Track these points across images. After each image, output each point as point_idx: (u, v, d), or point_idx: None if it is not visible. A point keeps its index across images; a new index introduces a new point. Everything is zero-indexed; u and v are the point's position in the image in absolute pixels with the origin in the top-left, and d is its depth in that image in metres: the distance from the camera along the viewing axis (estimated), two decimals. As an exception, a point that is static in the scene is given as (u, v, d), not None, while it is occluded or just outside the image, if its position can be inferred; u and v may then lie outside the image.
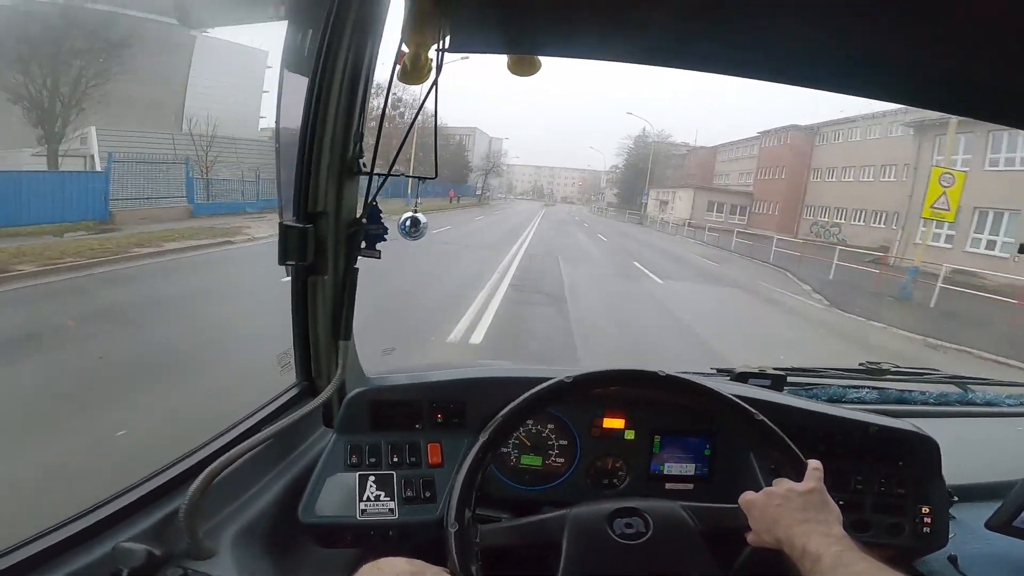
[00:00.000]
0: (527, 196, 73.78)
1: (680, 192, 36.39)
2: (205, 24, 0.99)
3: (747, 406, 0.78)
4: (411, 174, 0.99)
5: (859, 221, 24.12)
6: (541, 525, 0.75)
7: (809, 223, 27.92)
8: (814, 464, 0.73)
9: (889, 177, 22.65)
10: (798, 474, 0.73)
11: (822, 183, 27.81)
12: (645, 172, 46.97)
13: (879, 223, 22.68)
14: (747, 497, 0.72)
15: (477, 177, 38.84)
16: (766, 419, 0.77)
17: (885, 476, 0.96)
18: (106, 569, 0.63)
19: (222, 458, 0.71)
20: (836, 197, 25.78)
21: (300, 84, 0.81)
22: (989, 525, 0.91)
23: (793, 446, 0.75)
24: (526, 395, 0.78)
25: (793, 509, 0.68)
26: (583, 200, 71.95)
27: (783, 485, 0.71)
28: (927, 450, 0.97)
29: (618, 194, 52.11)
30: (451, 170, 38.18)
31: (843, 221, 25.20)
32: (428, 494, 0.87)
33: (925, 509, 0.95)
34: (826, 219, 26.87)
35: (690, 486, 1.00)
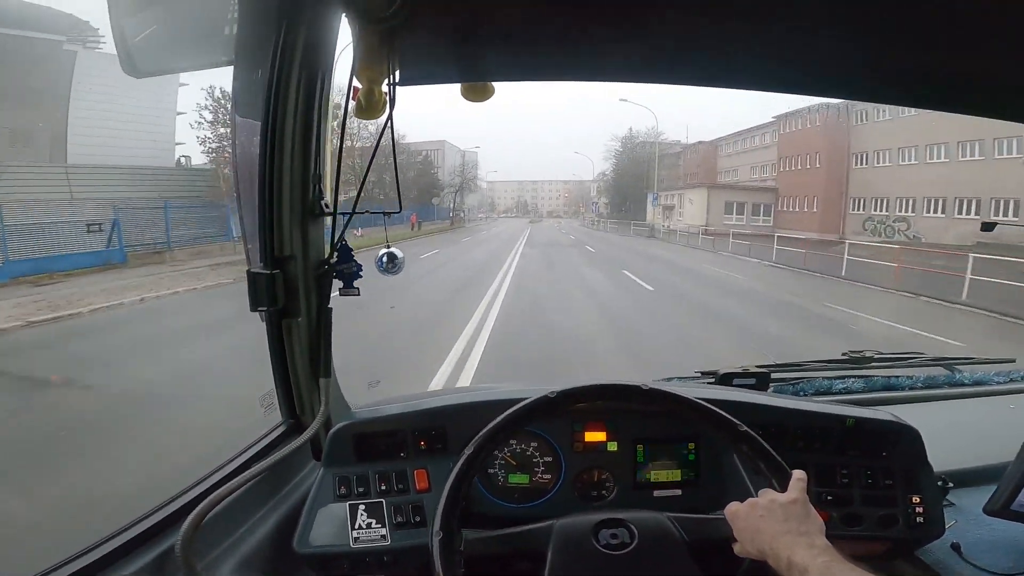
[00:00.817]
0: (511, 213, 74.61)
1: (690, 193, 30.98)
2: (152, 72, 1.02)
3: (731, 418, 0.85)
4: (373, 210, 1.03)
5: (935, 212, 20.93)
6: (526, 535, 0.82)
7: (861, 219, 24.57)
8: (798, 475, 0.78)
9: (971, 155, 19.28)
10: (781, 484, 0.79)
11: (870, 169, 24.59)
12: (639, 176, 44.73)
13: (967, 212, 19.27)
14: (732, 508, 0.78)
15: (449, 196, 32.24)
16: (750, 430, 0.83)
17: (870, 468, 1.02)
18: None
19: (213, 495, 0.78)
20: (895, 185, 22.72)
21: (253, 129, 0.88)
22: (987, 511, 0.95)
23: (776, 456, 0.81)
24: (510, 411, 0.86)
25: (775, 520, 0.73)
26: (571, 213, 71.64)
27: (766, 496, 0.77)
28: (909, 439, 1.03)
29: (608, 203, 51.32)
30: (418, 190, 32.51)
31: (910, 213, 22.18)
32: (418, 518, 0.95)
33: (916, 499, 1.00)
34: (884, 212, 23.55)
35: (678, 492, 1.06)
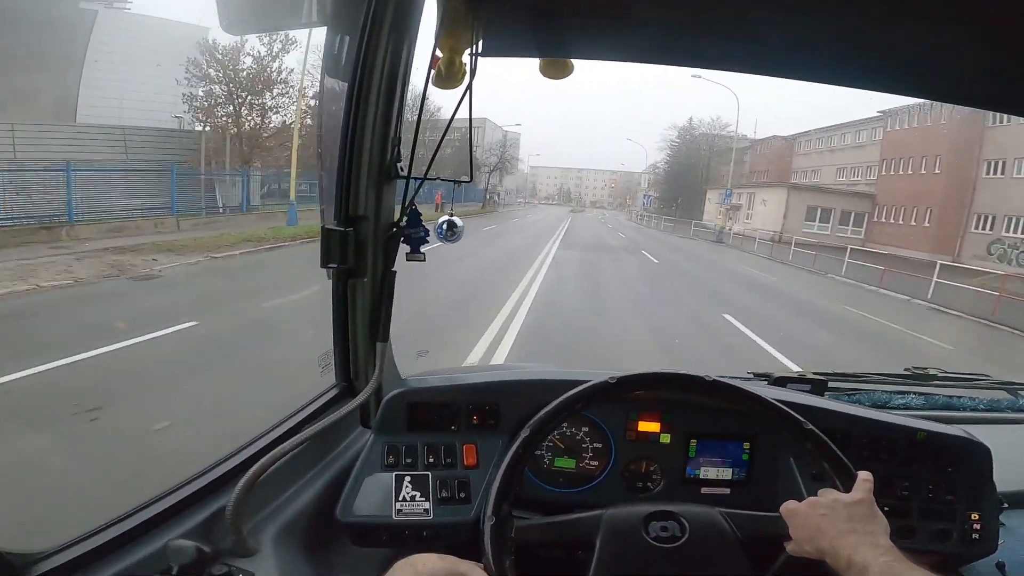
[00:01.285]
0: (552, 200, 73.84)
1: (765, 193, 26.88)
2: (249, 30, 1.26)
3: (796, 415, 0.88)
4: (444, 177, 1.08)
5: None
6: (576, 524, 0.86)
7: (986, 241, 20.43)
8: (864, 475, 0.80)
9: None
10: (845, 484, 0.81)
11: (1006, 181, 20.44)
12: (695, 169, 41.21)
13: None
14: (789, 506, 0.81)
15: (484, 175, 29.23)
16: (815, 428, 0.87)
17: (933, 483, 1.05)
18: (156, 566, 0.72)
19: (266, 457, 0.82)
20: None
21: (340, 90, 0.96)
22: None
23: (842, 456, 0.84)
24: (569, 394, 0.89)
25: (839, 519, 0.75)
26: (615, 204, 70.59)
27: (828, 495, 0.79)
28: (979, 456, 1.05)
29: (659, 197, 48.41)
30: (452, 169, 28.97)
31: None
32: (463, 495, 0.99)
33: (975, 516, 1.02)
34: (1020, 235, 19.42)
35: (726, 490, 1.09)
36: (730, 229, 28.29)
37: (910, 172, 24.58)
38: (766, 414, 0.89)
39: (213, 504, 0.80)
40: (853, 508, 0.75)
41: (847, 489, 0.79)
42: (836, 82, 1.03)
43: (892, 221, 25.09)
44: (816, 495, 0.80)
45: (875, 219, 26.01)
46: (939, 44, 0.82)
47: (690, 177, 40.43)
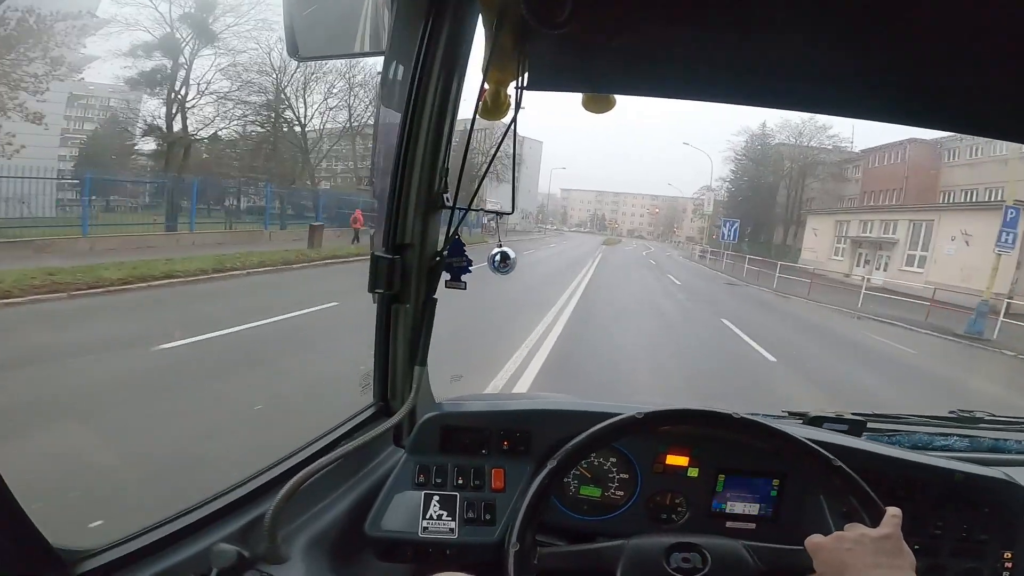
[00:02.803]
0: (584, 228, 62.66)
1: (955, 221, 12.30)
2: (311, 56, 1.22)
3: (823, 451, 0.87)
4: (488, 208, 1.14)
5: None
6: (598, 553, 0.88)
7: None
8: (893, 511, 0.80)
9: None
10: (873, 520, 0.81)
11: None
12: (769, 190, 29.26)
13: None
14: (815, 540, 0.80)
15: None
16: (843, 465, 0.86)
17: (968, 523, 1.07)
18: (196, 568, 0.75)
19: (305, 470, 0.86)
20: None
21: (393, 121, 1.01)
22: None
23: (870, 491, 0.84)
24: (598, 427, 0.92)
25: (865, 554, 0.74)
26: (658, 234, 57.86)
27: (855, 530, 0.79)
28: (1017, 497, 1.07)
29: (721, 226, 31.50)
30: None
31: None
32: (488, 517, 1.03)
33: (1008, 554, 1.05)
34: None
35: (752, 525, 1.10)
36: (847, 276, 15.44)
37: None
38: (794, 450, 0.89)
39: (252, 512, 0.85)
40: (880, 543, 0.74)
41: (873, 524, 0.79)
42: (866, 116, 1.06)
43: None
44: (847, 525, 0.81)
45: None
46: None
47: (762, 200, 29.39)
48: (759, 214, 29.74)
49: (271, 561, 0.81)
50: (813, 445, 0.88)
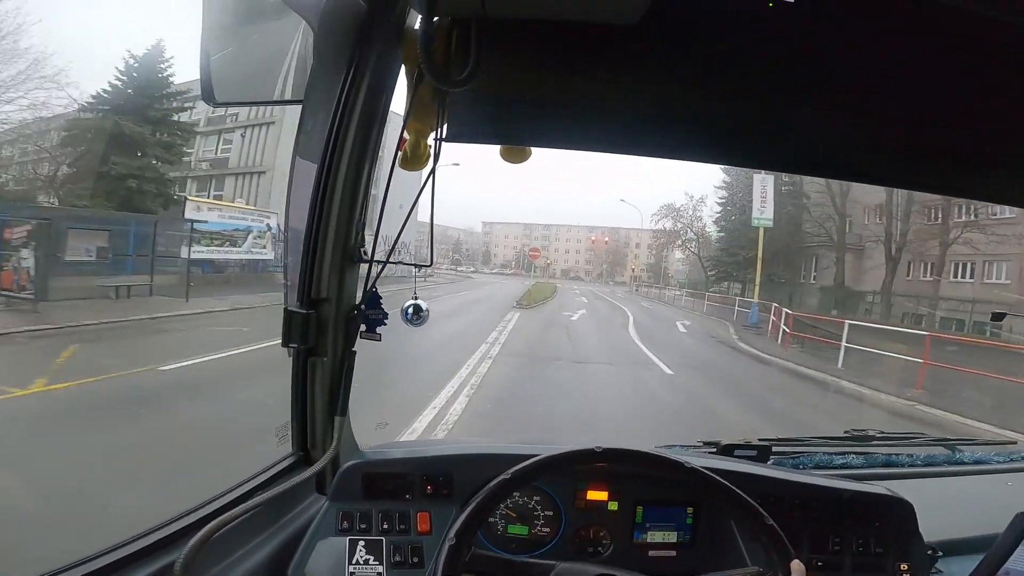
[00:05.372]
0: (508, 268, 54.17)
1: None
2: (227, 101, 1.20)
3: (743, 494, 0.93)
4: (405, 262, 1.15)
5: None
6: (528, 568, 0.91)
7: None
8: (797, 567, 0.85)
9: None
10: (781, 559, 0.87)
11: None
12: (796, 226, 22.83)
13: None
14: None
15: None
16: (761, 509, 0.91)
17: (862, 537, 1.15)
18: None
19: (221, 517, 0.84)
20: None
21: (310, 171, 1.01)
22: None
23: (782, 534, 0.89)
24: (559, 452, 0.94)
25: None
26: (598, 274, 50.93)
27: None
28: (901, 511, 1.16)
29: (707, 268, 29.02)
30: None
31: None
32: (416, 559, 1.03)
33: (904, 566, 1.12)
34: None
35: (673, 553, 1.17)
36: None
37: None
38: (730, 503, 0.94)
39: (161, 560, 0.83)
40: None
41: (783, 567, 0.86)
42: (781, 169, 1.33)
43: None
44: (754, 554, 0.91)
45: None
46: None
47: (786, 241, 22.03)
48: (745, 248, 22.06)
49: None
50: (747, 499, 0.92)
